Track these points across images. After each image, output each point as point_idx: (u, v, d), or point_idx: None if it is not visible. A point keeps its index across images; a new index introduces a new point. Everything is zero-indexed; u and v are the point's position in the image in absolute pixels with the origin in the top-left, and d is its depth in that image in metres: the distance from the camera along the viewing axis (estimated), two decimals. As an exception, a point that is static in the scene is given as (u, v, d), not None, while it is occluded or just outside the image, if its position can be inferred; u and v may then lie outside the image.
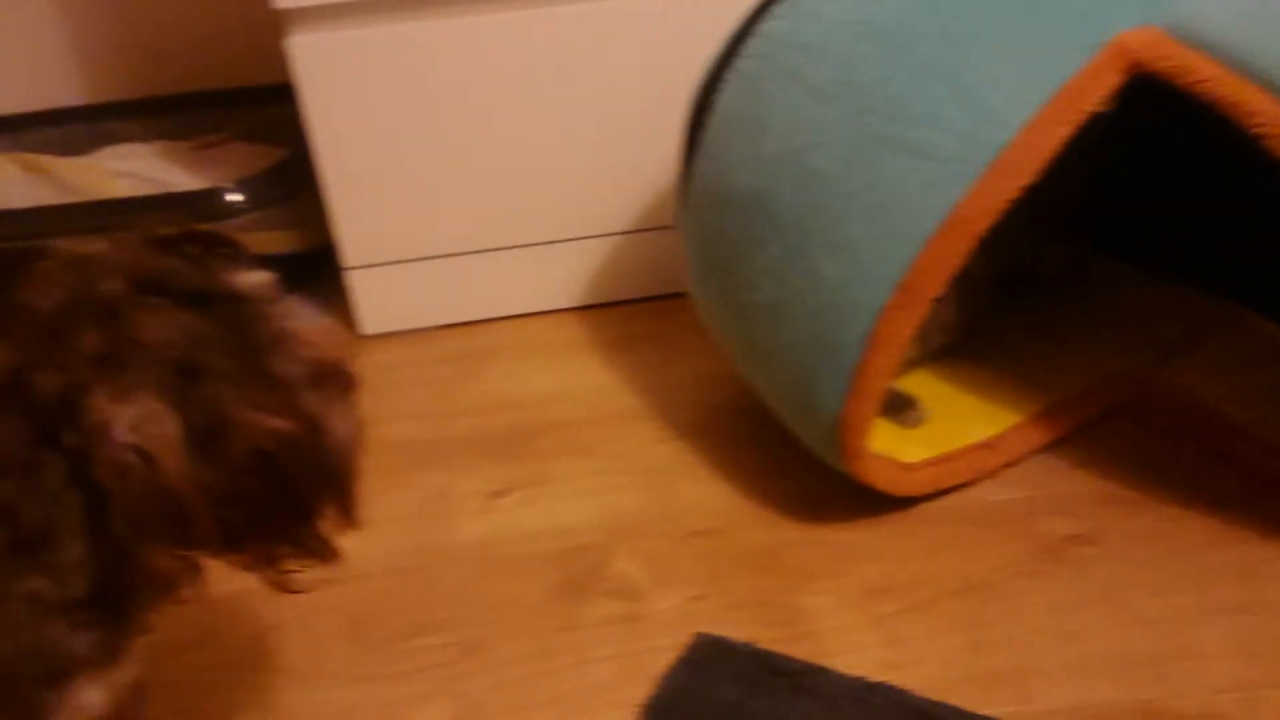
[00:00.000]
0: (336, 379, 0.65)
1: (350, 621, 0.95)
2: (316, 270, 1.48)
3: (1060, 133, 0.82)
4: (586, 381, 1.26)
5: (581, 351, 1.33)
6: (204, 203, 1.37)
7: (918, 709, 0.80)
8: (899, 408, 1.06)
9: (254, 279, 0.64)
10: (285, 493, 0.61)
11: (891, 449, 1.00)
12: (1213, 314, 1.16)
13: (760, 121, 0.93)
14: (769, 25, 0.95)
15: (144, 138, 1.70)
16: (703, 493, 1.06)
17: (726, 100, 0.96)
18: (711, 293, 1.03)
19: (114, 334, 0.57)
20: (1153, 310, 1.18)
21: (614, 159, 1.30)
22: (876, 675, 0.84)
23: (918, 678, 0.83)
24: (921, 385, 1.10)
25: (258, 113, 1.67)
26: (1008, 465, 1.04)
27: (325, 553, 0.65)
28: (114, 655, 0.63)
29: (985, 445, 1.03)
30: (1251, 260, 1.14)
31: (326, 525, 0.65)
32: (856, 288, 0.87)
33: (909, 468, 0.99)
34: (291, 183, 1.42)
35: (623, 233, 1.36)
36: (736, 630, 0.89)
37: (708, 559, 0.98)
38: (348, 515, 0.65)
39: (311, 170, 1.31)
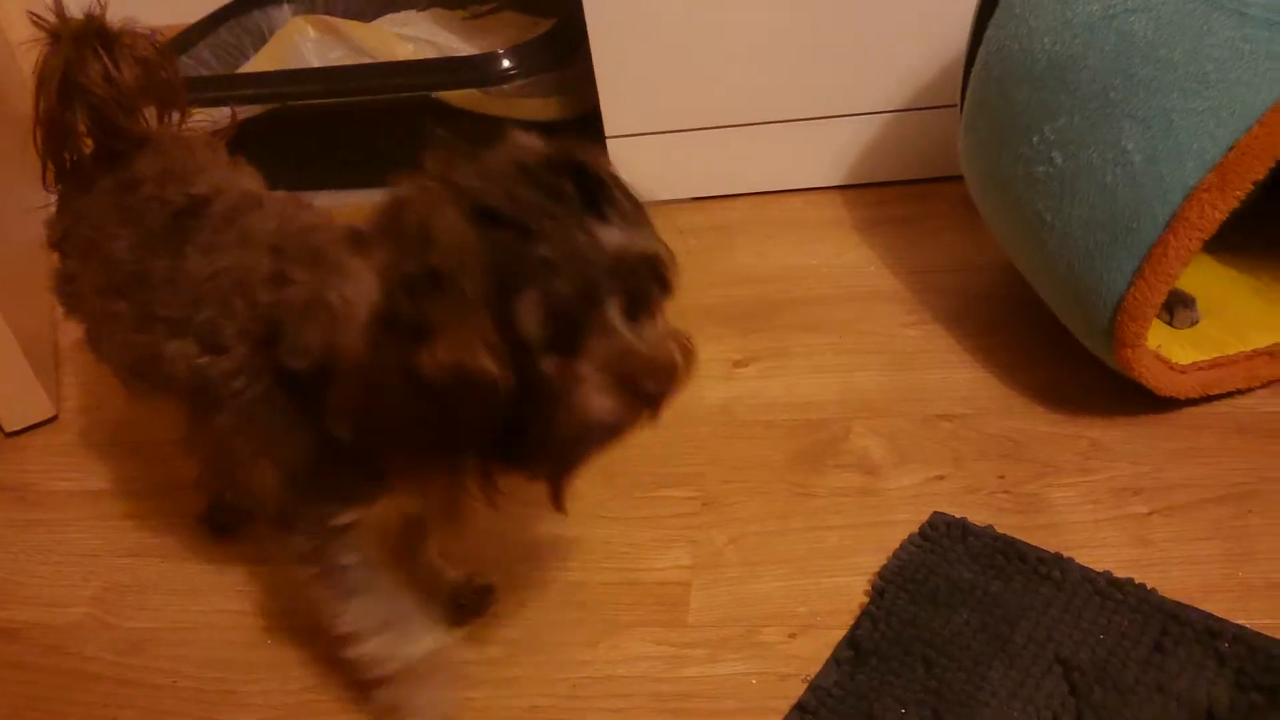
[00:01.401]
0: (636, 376, 0.61)
1: (601, 469, 1.01)
2: (581, 139, 1.53)
3: None
4: (837, 260, 1.26)
5: (833, 230, 1.32)
6: (480, 68, 1.44)
7: (1164, 609, 0.78)
8: (1174, 306, 1.01)
9: (630, 243, 0.60)
10: (457, 426, 0.59)
11: (1160, 348, 0.95)
12: None
13: None
14: None
15: (421, 5, 1.79)
16: (950, 377, 1.05)
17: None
18: (992, 168, 0.99)
19: (401, 207, 0.60)
20: None
21: (883, 34, 1.27)
22: (1120, 572, 0.82)
23: (1167, 580, 0.81)
24: (1198, 283, 1.03)
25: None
26: (1285, 378, 0.98)
27: (491, 496, 0.64)
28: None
29: (1265, 353, 0.97)
30: None
31: (512, 479, 0.64)
32: (1165, 164, 0.81)
33: (1179, 369, 0.94)
34: (560, 51, 1.46)
35: (885, 112, 1.33)
36: (976, 514, 0.89)
37: (950, 442, 0.98)
38: (554, 499, 0.65)
39: (580, 40, 1.34)
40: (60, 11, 0.82)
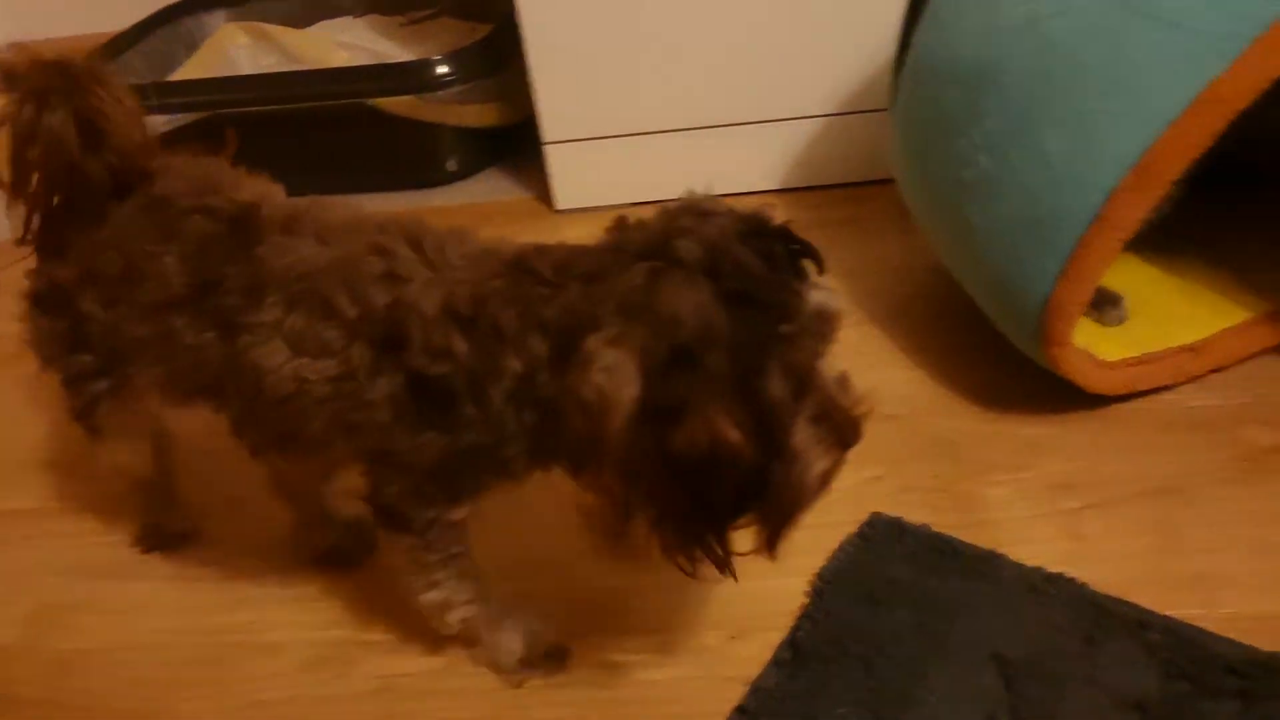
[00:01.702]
0: (842, 429, 0.67)
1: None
2: (517, 145, 1.53)
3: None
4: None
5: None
6: (416, 74, 1.43)
7: (1095, 603, 0.79)
8: (1102, 304, 1.03)
9: (824, 302, 0.64)
10: (708, 495, 0.63)
11: (1088, 345, 0.97)
12: None
13: None
14: None
15: (357, 11, 1.78)
16: (888, 377, 1.06)
17: (940, 6, 0.93)
18: (921, 171, 1.01)
19: (646, 289, 0.62)
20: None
21: (817, 38, 1.28)
22: (1054, 568, 0.83)
23: (1098, 574, 0.82)
24: (1125, 282, 1.05)
25: (467, -12, 1.72)
26: (1213, 371, 1.00)
27: (721, 564, 0.68)
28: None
29: (1189, 349, 0.99)
30: None
31: (735, 542, 0.68)
32: (1085, 165, 0.83)
33: (1107, 365, 0.96)
34: (497, 57, 1.46)
35: (821, 116, 1.34)
36: (913, 513, 0.90)
37: (888, 442, 0.99)
38: (770, 548, 0.68)
39: (517, 45, 1.34)
40: (37, 63, 0.79)
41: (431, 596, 0.79)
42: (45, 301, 0.85)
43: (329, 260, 0.73)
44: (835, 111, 1.34)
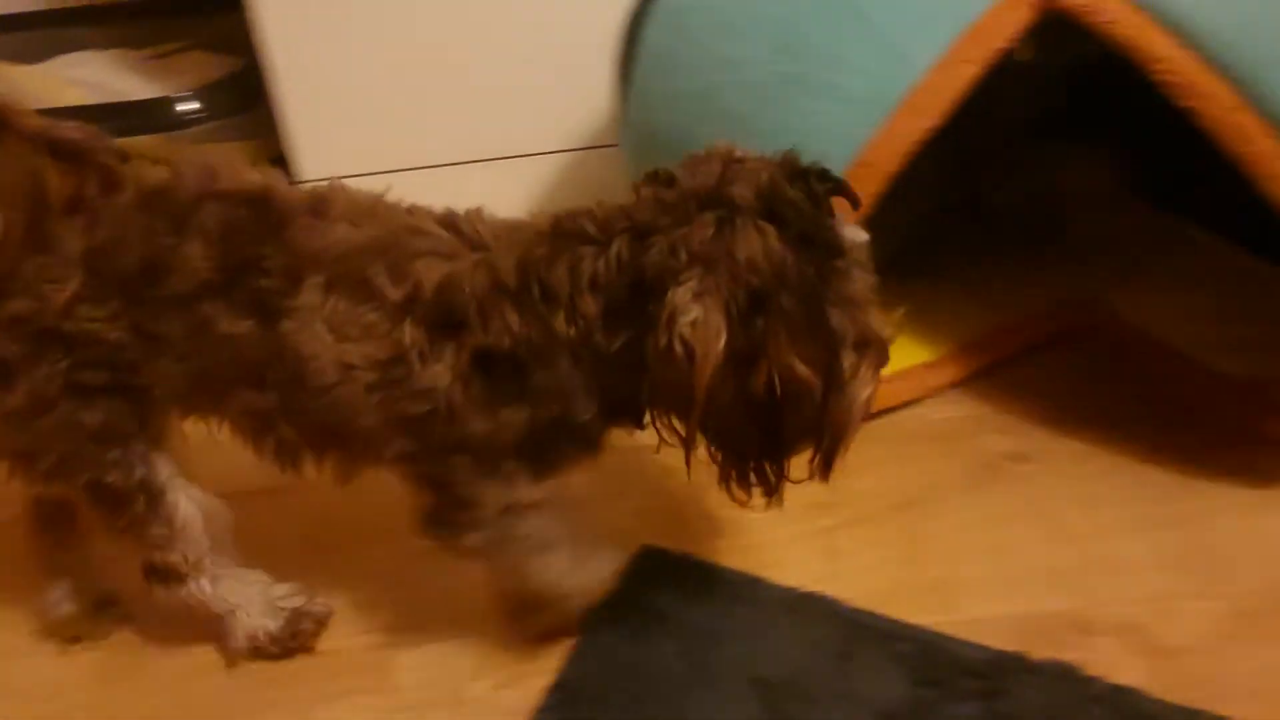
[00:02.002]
0: (876, 349, 0.70)
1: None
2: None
3: (969, 71, 0.80)
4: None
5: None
6: (156, 112, 1.36)
7: (848, 618, 0.82)
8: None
9: (855, 235, 0.67)
10: (777, 430, 0.66)
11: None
12: (1158, 237, 1.17)
13: (678, 57, 0.92)
14: None
15: (101, 45, 1.67)
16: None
17: (652, 34, 0.95)
18: None
19: (719, 238, 0.64)
20: (1100, 235, 1.19)
21: (567, 72, 1.29)
22: (812, 586, 0.86)
23: (853, 589, 0.86)
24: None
25: (216, 21, 1.64)
26: (952, 385, 1.06)
27: (774, 490, 0.71)
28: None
29: (929, 366, 1.05)
30: (1193, 176, 1.15)
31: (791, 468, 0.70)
32: None
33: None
34: (248, 93, 1.40)
35: (574, 150, 1.35)
36: (680, 542, 0.91)
37: (652, 471, 1.00)
38: (824, 471, 0.71)
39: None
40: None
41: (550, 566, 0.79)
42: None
43: (367, 240, 0.71)
44: (587, 145, 1.35)
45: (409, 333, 0.69)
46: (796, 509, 0.93)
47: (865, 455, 0.98)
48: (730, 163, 0.67)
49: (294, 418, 0.74)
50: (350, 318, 0.70)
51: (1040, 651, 0.79)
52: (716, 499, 0.94)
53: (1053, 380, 1.06)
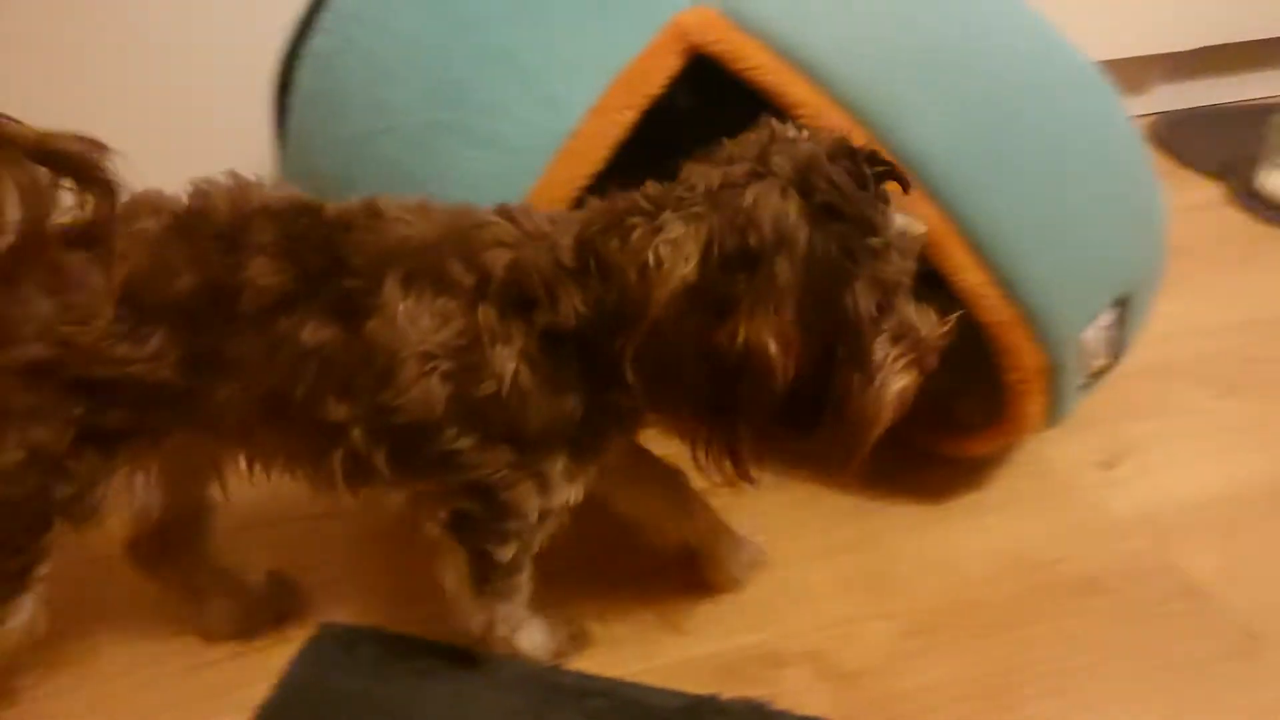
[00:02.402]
0: (921, 349, 0.67)
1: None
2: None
3: (625, 118, 0.81)
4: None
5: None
6: None
7: (542, 680, 0.80)
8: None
9: (907, 224, 0.65)
10: (729, 396, 0.64)
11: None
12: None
13: (336, 102, 0.88)
14: None
15: None
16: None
17: (304, 78, 0.91)
18: None
19: (734, 188, 0.63)
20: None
21: (221, 116, 1.21)
22: (508, 648, 0.83)
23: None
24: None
25: None
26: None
27: (743, 471, 0.68)
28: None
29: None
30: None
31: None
32: None
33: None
34: None
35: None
36: (368, 614, 0.86)
37: (341, 541, 0.94)
38: (842, 466, 0.69)
39: None
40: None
41: (503, 610, 0.78)
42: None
43: (437, 234, 0.70)
44: None
45: (482, 314, 0.68)
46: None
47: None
48: (777, 138, 0.66)
49: (371, 423, 0.70)
50: (429, 308, 0.68)
51: (734, 689, 0.79)
52: (409, 563, 0.91)
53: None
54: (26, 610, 0.71)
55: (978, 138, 0.81)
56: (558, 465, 0.72)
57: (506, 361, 0.68)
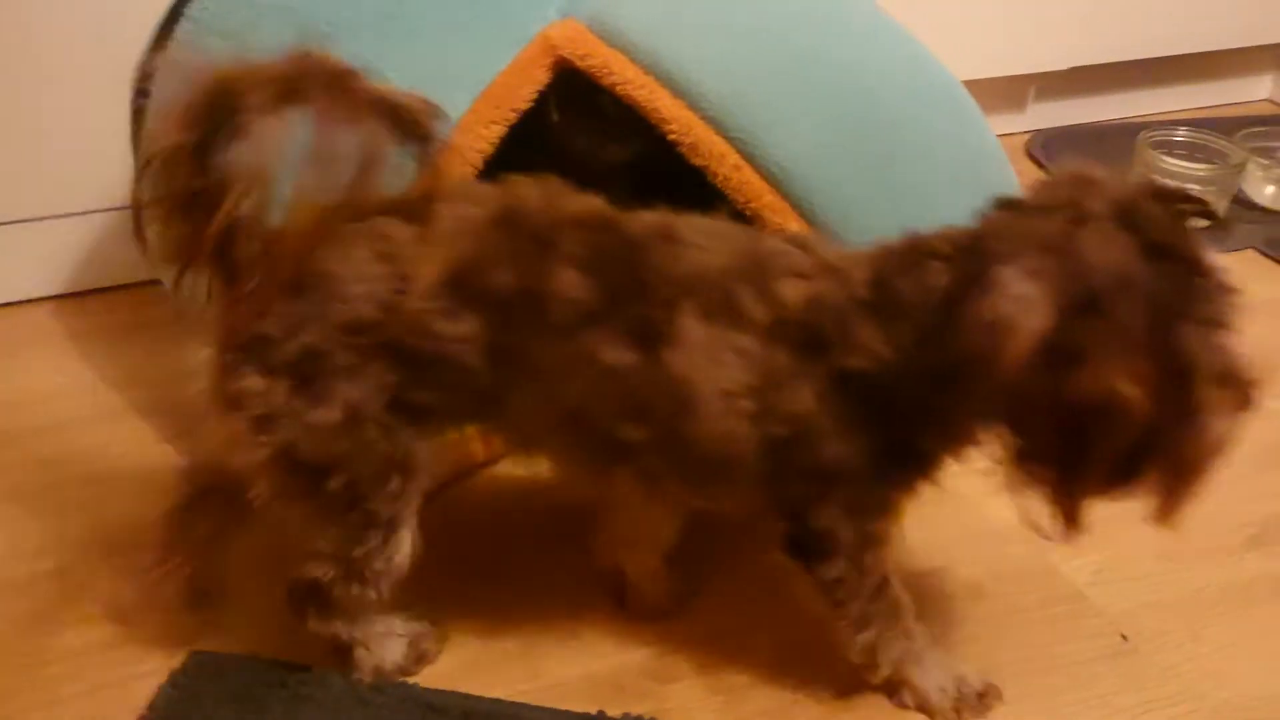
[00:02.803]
0: (1241, 389, 0.63)
1: None
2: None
3: (493, 132, 0.80)
4: (73, 379, 1.12)
5: (58, 346, 1.18)
6: None
7: (424, 701, 0.77)
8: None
9: (1218, 261, 0.64)
10: (1082, 449, 0.62)
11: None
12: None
13: None
14: (197, 7, 0.87)
15: None
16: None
17: (162, 90, 0.87)
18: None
19: (1066, 234, 0.61)
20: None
21: (84, 131, 1.17)
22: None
23: (430, 668, 0.81)
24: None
25: None
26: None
27: (1073, 517, 0.66)
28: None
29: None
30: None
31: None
32: None
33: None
34: None
35: (99, 211, 1.22)
36: (238, 642, 0.82)
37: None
38: (1168, 514, 0.65)
39: None
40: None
41: (866, 636, 0.75)
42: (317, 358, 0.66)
43: (728, 262, 0.69)
44: (109, 207, 1.23)
45: (779, 353, 0.67)
46: (370, 588, 0.88)
47: (439, 523, 0.94)
48: (1084, 182, 0.65)
49: (666, 449, 0.70)
50: (725, 343, 0.67)
51: (622, 706, 0.78)
52: (282, 589, 0.87)
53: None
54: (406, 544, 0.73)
55: (843, 150, 0.81)
56: (861, 495, 0.71)
57: (804, 402, 0.67)
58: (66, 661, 0.81)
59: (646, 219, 0.71)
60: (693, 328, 0.67)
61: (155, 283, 1.25)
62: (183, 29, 0.87)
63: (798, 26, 0.85)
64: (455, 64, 0.80)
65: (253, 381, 0.67)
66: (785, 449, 0.69)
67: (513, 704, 0.77)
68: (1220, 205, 1.48)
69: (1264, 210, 1.53)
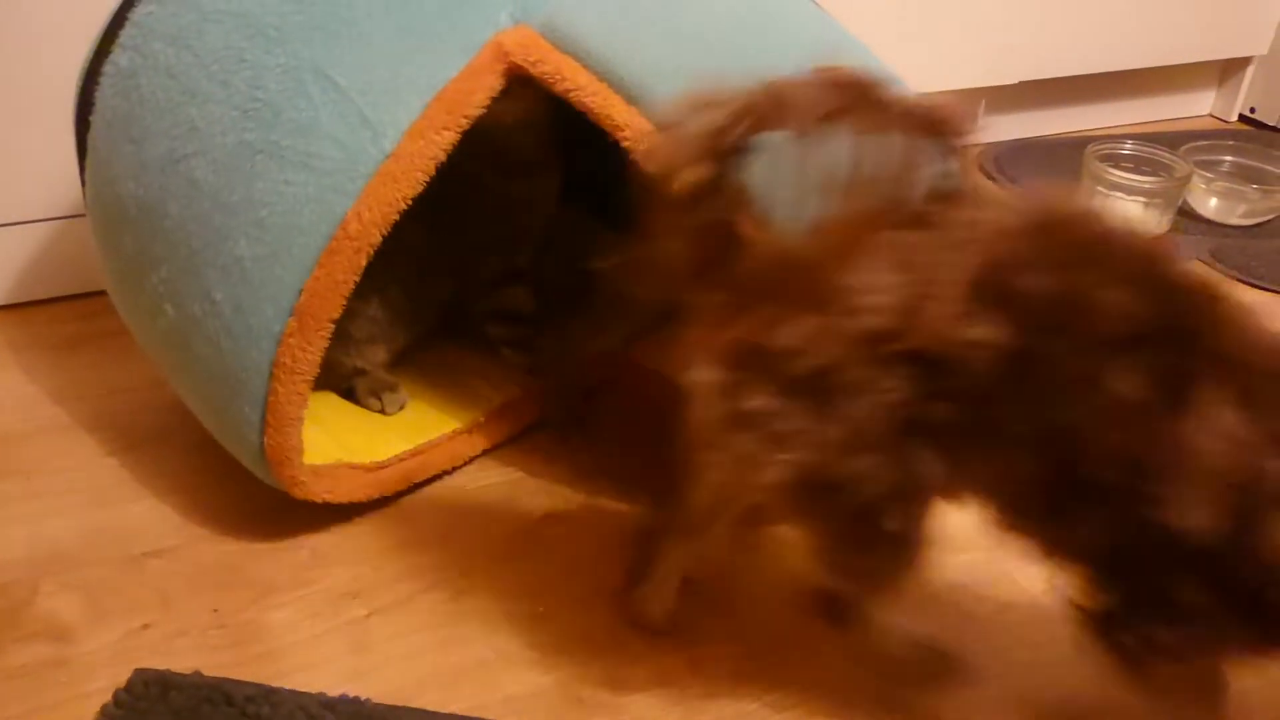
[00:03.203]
0: None
1: None
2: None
3: (445, 139, 0.78)
4: (16, 391, 1.09)
5: (6, 357, 1.15)
6: None
7: (377, 717, 0.75)
8: (381, 392, 1.02)
9: None
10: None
11: (359, 447, 0.95)
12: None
13: (141, 123, 0.82)
14: (142, 12, 0.85)
15: None
16: (154, 508, 0.95)
17: (106, 97, 0.85)
18: (126, 310, 0.92)
19: None
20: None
21: (23, 139, 1.15)
22: (339, 688, 0.78)
23: (383, 684, 0.79)
24: (400, 374, 1.06)
25: None
26: (486, 452, 1.03)
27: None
28: None
29: (463, 432, 1.01)
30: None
31: None
32: (251, 313, 0.80)
33: (375, 467, 0.94)
34: None
35: (44, 220, 1.19)
36: (185, 660, 0.80)
37: (159, 582, 0.88)
38: (1257, 648, 0.63)
39: None
40: None
41: None
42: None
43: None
44: (50, 216, 1.20)
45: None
46: (322, 603, 0.87)
47: (400, 534, 0.93)
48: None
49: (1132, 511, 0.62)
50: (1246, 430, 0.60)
51: (579, 718, 0.77)
52: (234, 601, 0.85)
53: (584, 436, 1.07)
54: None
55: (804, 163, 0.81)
56: None
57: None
58: (9, 682, 0.78)
59: (1194, 271, 0.65)
60: (1226, 412, 0.60)
61: (99, 294, 1.22)
62: (126, 33, 0.85)
63: (749, 34, 0.84)
64: (407, 69, 0.79)
65: (764, 400, 0.64)
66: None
67: (468, 718, 0.76)
68: (1166, 217, 1.51)
69: (1208, 222, 1.56)
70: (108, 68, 0.85)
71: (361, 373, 1.02)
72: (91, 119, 0.87)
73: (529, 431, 1.07)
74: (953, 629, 0.87)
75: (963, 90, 1.68)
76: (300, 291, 0.78)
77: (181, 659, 0.80)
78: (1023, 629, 0.87)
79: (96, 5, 0.90)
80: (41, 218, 1.20)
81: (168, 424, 1.04)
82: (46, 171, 1.16)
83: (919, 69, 0.94)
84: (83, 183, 0.90)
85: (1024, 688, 0.82)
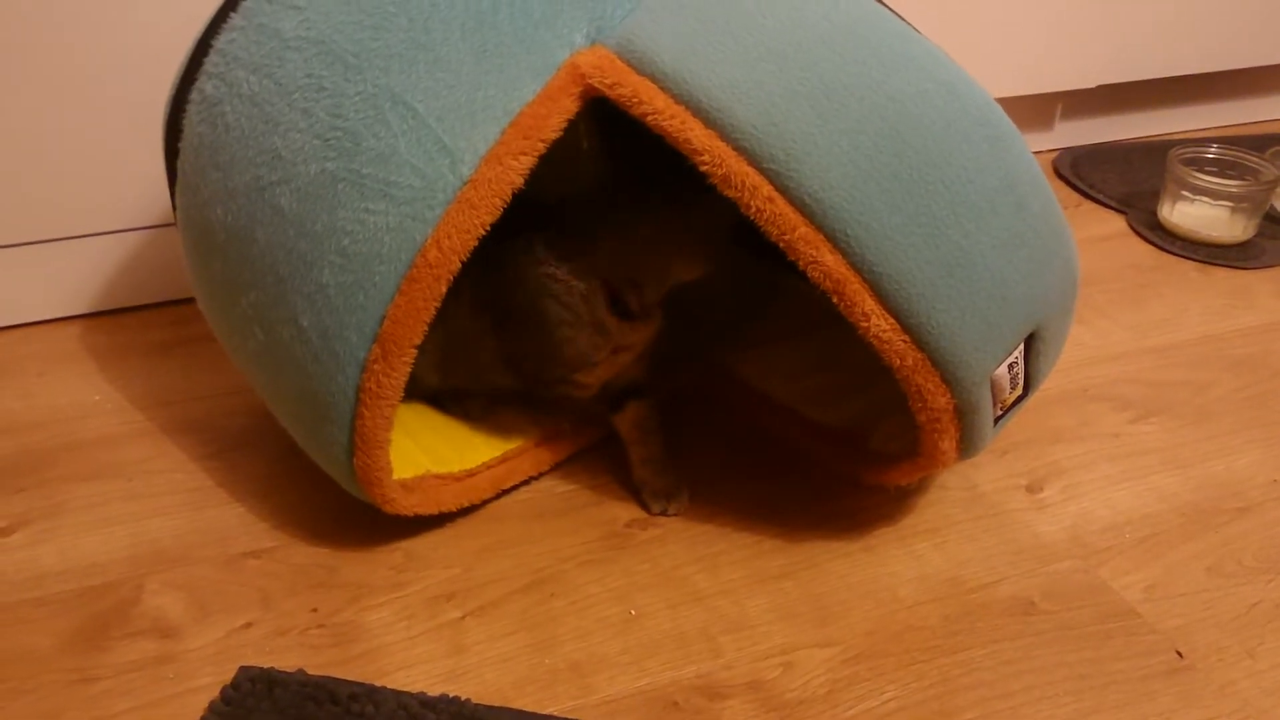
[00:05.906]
0: None
1: None
2: None
3: (522, 164, 0.78)
4: (113, 396, 1.12)
5: (103, 362, 1.18)
6: None
7: (475, 718, 0.76)
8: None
9: None
10: None
11: (448, 456, 0.96)
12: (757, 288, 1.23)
13: (227, 150, 0.83)
14: (225, 39, 0.86)
15: None
16: (249, 510, 0.97)
17: (193, 125, 0.87)
18: (219, 330, 0.94)
19: None
20: (702, 298, 1.23)
21: (115, 150, 1.18)
22: (437, 688, 0.79)
23: (480, 684, 0.80)
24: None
25: None
26: (572, 457, 1.04)
27: None
28: None
29: (550, 438, 1.02)
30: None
31: None
32: (336, 340, 0.81)
33: (464, 475, 0.95)
34: None
35: (136, 229, 1.23)
36: (287, 658, 0.82)
37: (258, 582, 0.89)
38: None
39: None
40: None
41: None
42: None
43: None
44: (146, 225, 1.23)
45: None
46: (418, 605, 0.88)
47: (491, 538, 0.95)
48: None
49: None
50: None
51: (673, 723, 0.77)
52: (332, 602, 0.87)
53: (671, 442, 1.07)
54: None
55: (880, 180, 0.79)
56: None
57: None
58: (116, 678, 0.80)
59: None
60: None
61: (189, 301, 1.25)
62: (211, 61, 0.86)
63: (829, 52, 0.82)
64: (483, 93, 0.79)
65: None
66: None
67: (566, 720, 0.77)
68: (1253, 222, 1.48)
69: (1295, 227, 1.53)
70: (194, 95, 0.87)
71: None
72: (180, 146, 0.88)
73: (613, 437, 1.07)
74: (1050, 637, 0.86)
75: (1039, 95, 1.66)
76: (383, 319, 0.79)
77: (283, 657, 0.82)
78: (1117, 639, 0.86)
79: (185, 18, 0.93)
80: (133, 226, 1.23)
81: (257, 429, 1.07)
82: (138, 181, 1.19)
83: (995, 74, 0.93)
84: (174, 206, 0.92)
85: (1119, 700, 0.81)
